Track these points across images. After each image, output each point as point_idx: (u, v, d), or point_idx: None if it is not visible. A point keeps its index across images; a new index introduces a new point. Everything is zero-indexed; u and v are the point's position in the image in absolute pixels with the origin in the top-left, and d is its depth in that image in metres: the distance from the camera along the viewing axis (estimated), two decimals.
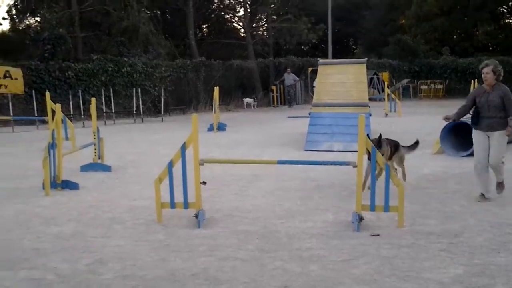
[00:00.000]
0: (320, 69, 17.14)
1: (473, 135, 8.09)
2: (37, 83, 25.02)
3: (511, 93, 7.74)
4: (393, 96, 26.17)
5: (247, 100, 32.24)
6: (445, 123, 9.76)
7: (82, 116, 23.87)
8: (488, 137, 7.84)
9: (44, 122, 20.26)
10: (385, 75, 37.15)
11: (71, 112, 23.93)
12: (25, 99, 24.29)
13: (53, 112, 13.75)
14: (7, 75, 23.03)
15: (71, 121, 16.93)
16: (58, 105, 10.07)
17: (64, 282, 5.01)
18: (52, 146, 9.32)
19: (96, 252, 5.90)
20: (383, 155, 8.05)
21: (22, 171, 11.49)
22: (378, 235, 6.35)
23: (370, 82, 35.32)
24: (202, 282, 4.92)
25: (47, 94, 14.93)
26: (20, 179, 10.51)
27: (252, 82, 34.99)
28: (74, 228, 6.95)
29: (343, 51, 52.54)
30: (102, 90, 25.97)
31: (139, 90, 26.24)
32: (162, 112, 26.45)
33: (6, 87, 22.91)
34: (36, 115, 22.59)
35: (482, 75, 7.84)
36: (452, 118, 8.18)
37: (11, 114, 21.88)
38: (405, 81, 38.05)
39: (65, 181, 9.43)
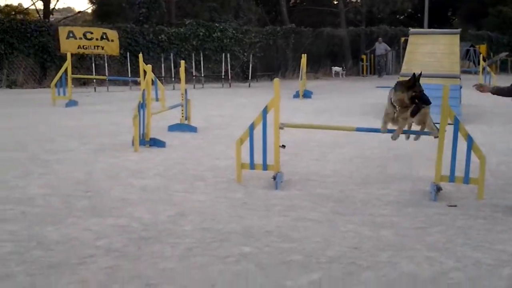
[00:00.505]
0: (410, 39, 16.74)
1: None
2: (131, 45, 25.94)
3: None
4: (488, 69, 25.14)
5: (335, 68, 31.97)
6: None
7: (173, 79, 24.55)
8: None
9: (137, 83, 21.08)
10: (482, 48, 35.62)
11: (163, 75, 24.69)
12: (120, 60, 25.28)
13: (145, 73, 14.33)
14: (104, 37, 24.05)
15: (162, 83, 17.53)
16: (149, 66, 10.48)
17: (147, 230, 5.36)
18: (142, 105, 9.78)
19: (178, 205, 6.23)
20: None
21: (116, 128, 12.12)
22: (456, 205, 6.30)
23: (466, 54, 34.03)
24: (275, 239, 5.11)
25: (140, 56, 15.54)
26: (113, 135, 11.11)
27: (342, 51, 34.59)
28: (159, 182, 7.34)
29: (439, 21, 50.52)
30: (193, 54, 26.54)
31: (228, 56, 26.61)
32: (250, 78, 26.74)
33: (102, 48, 23.95)
34: (129, 76, 23.50)
35: None
36: (488, 89, 6.69)
37: (107, 74, 22.87)
38: (503, 54, 36.33)
39: (153, 139, 9.89)
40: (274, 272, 4.36)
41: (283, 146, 7.21)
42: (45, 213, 5.88)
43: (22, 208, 6.01)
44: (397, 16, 45.44)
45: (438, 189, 6.58)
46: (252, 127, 7.22)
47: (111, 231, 5.34)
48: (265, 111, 7.09)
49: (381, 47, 32.38)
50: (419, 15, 45.93)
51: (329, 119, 13.74)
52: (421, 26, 36.82)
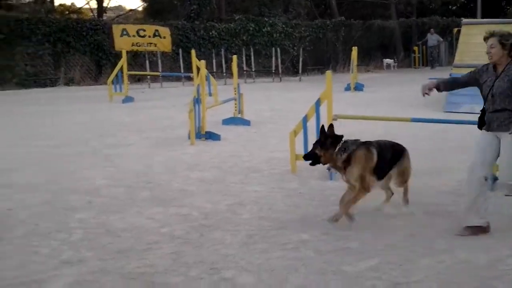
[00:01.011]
0: (463, 29, 16.50)
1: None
2: (183, 41, 26.37)
3: None
4: None
5: (387, 60, 31.66)
6: None
7: (224, 74, 24.86)
8: (498, 139, 5.13)
9: (189, 78, 21.46)
10: None
11: (214, 70, 25.03)
12: (172, 56, 25.74)
13: (198, 69, 14.63)
14: (156, 34, 24.48)
15: (213, 78, 17.82)
16: (203, 62, 10.74)
17: (207, 219, 5.59)
18: (197, 100, 10.05)
19: (236, 196, 6.45)
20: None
21: (171, 122, 12.45)
22: None
23: None
24: (330, 227, 5.25)
25: (193, 52, 15.84)
26: (169, 129, 11.44)
27: (393, 43, 34.21)
28: (216, 174, 7.57)
29: (493, 11, 49.29)
30: (243, 49, 26.79)
31: (278, 50, 26.73)
32: (300, 72, 26.80)
33: (155, 45, 24.39)
34: (182, 72, 23.93)
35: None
36: (433, 85, 5.63)
37: (160, 71, 23.36)
38: None
39: (208, 132, 10.15)
40: (333, 258, 4.51)
41: None
42: (110, 203, 6.19)
43: (89, 198, 6.34)
44: (449, 7, 44.50)
45: (495, 179, 6.56)
46: (305, 119, 7.36)
47: (173, 220, 5.60)
48: (318, 103, 7.22)
49: (433, 38, 31.86)
50: (471, 5, 44.89)
51: (382, 111, 13.71)
52: (474, 16, 35.99)
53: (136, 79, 23.97)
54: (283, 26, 29.17)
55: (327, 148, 5.36)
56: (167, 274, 4.22)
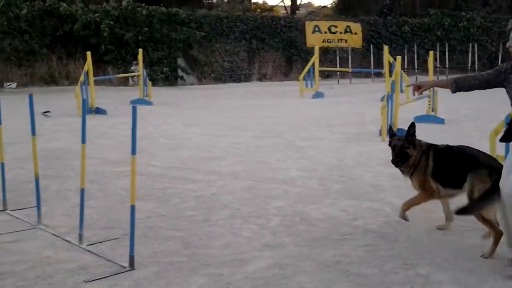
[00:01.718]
0: None
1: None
2: (374, 37, 26.26)
3: None
4: None
5: None
6: None
7: (416, 70, 24.29)
8: None
9: (379, 75, 21.34)
10: None
11: (405, 66, 24.56)
12: (362, 52, 25.75)
13: (390, 65, 14.50)
14: (348, 30, 24.71)
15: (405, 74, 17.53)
16: (399, 58, 10.62)
17: None
18: (390, 96, 10.01)
19: None
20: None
21: (361, 118, 12.53)
22: None
23: None
24: None
25: (386, 48, 15.71)
26: (359, 125, 11.54)
27: None
28: None
29: None
30: (437, 45, 25.91)
31: (475, 46, 25.43)
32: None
33: (346, 41, 24.64)
34: (371, 68, 23.84)
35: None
36: (428, 86, 5.24)
37: (350, 67, 23.51)
38: None
39: (400, 129, 10.01)
40: None
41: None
42: (305, 193, 6.46)
43: (285, 187, 6.68)
44: None
45: None
46: (509, 118, 6.99)
47: (366, 213, 5.70)
48: None
49: None
50: None
51: None
52: None
53: (325, 75, 24.37)
54: (482, 20, 27.70)
55: (414, 148, 5.01)
56: (362, 265, 4.34)
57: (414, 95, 5.21)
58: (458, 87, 4.88)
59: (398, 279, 4.09)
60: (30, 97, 5.27)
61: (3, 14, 20.42)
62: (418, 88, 5.01)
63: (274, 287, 3.96)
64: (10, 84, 19.65)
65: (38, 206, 5.38)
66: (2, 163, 5.92)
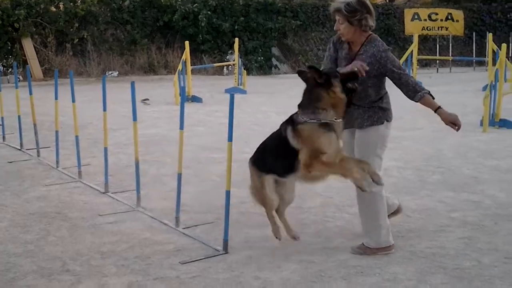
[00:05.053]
0: None
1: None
2: (477, 25, 25.16)
3: (387, 50, 4.18)
4: None
5: None
6: None
7: None
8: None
9: (480, 64, 20.45)
10: None
11: (510, 55, 23.38)
12: (464, 40, 24.76)
13: (494, 53, 13.85)
14: (449, 17, 23.81)
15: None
16: (504, 45, 10.11)
17: (501, 208, 5.37)
18: (493, 86, 9.58)
19: None
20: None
21: (461, 108, 12.03)
22: None
23: None
24: None
25: (490, 35, 15.02)
26: (458, 115, 11.03)
27: None
28: (511, 163, 7.17)
29: None
30: None
31: None
32: None
33: (447, 29, 23.77)
34: (473, 56, 22.88)
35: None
36: None
37: (450, 55, 22.67)
38: None
39: (503, 120, 9.61)
40: None
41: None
42: (400, 184, 6.32)
43: None
44: None
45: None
46: None
47: (464, 205, 5.50)
48: None
49: None
50: None
51: None
52: None
53: (423, 64, 23.64)
54: None
55: None
56: (459, 258, 4.19)
57: None
58: None
59: (497, 273, 3.94)
60: (133, 85, 5.47)
61: (107, 5, 21.33)
62: None
63: (367, 276, 3.91)
64: (112, 73, 20.51)
65: (138, 189, 5.59)
66: (106, 148, 6.19)
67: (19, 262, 4.22)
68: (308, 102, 4.12)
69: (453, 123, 4.23)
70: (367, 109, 4.24)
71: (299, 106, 4.19)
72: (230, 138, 4.32)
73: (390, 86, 4.35)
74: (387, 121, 4.34)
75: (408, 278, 3.86)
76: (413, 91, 4.16)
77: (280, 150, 4.22)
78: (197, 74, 18.82)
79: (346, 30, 4.16)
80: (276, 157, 4.30)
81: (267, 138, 4.48)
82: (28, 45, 19.54)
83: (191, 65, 14.40)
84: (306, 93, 4.20)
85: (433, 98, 4.22)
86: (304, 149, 4.06)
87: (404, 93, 4.24)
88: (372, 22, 4.14)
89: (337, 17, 4.17)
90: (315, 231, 4.83)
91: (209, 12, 21.70)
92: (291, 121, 4.19)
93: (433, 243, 4.52)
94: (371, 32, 4.23)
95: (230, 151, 4.38)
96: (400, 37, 24.77)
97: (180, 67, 13.43)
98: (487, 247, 4.38)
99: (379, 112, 4.27)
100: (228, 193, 4.38)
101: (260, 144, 4.52)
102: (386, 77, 4.24)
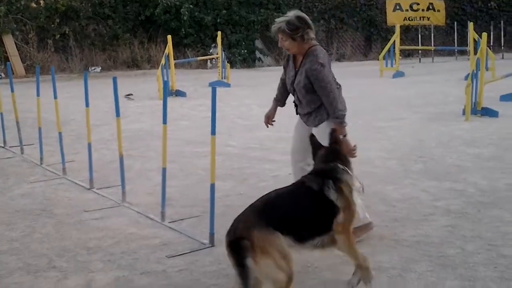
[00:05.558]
0: None
1: None
2: (458, 14, 25.27)
3: (321, 66, 4.30)
4: None
5: None
6: None
7: (502, 47, 23.27)
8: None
9: (462, 53, 20.59)
10: None
11: (491, 44, 23.55)
12: (446, 30, 24.88)
13: (475, 42, 13.96)
14: (430, 7, 23.90)
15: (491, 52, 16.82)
16: (485, 34, 10.18)
17: (484, 196, 5.44)
18: (474, 75, 9.66)
19: None
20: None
21: (443, 97, 12.17)
22: None
23: None
24: None
25: (471, 24, 15.11)
26: (441, 104, 11.21)
27: None
28: (493, 151, 7.27)
29: None
30: None
31: None
32: None
33: (428, 18, 23.85)
34: (455, 46, 23.03)
35: None
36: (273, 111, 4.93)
37: (432, 45, 22.80)
38: None
39: (485, 108, 9.70)
40: None
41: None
42: (384, 173, 6.38)
43: (364, 168, 6.57)
44: None
45: None
46: None
47: (448, 194, 5.56)
48: None
49: None
50: None
51: None
52: None
53: (406, 54, 23.73)
54: None
55: None
56: (443, 246, 4.25)
57: (267, 127, 4.98)
58: (282, 98, 4.93)
59: (481, 260, 3.99)
60: (114, 80, 5.45)
61: (88, 0, 21.15)
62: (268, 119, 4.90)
63: (352, 265, 3.94)
64: (94, 68, 20.38)
65: (123, 184, 5.59)
66: (89, 144, 6.17)
67: (5, 259, 4.21)
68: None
69: (352, 150, 4.33)
70: (315, 111, 4.49)
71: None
72: (213, 132, 4.33)
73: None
74: None
75: (392, 267, 3.91)
76: (332, 113, 4.37)
77: (311, 208, 3.53)
78: (180, 68, 18.76)
79: (290, 45, 4.40)
80: (305, 217, 3.48)
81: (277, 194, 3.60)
82: (9, 42, 19.33)
83: (174, 59, 14.34)
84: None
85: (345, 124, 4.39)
86: (346, 210, 3.58)
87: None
88: (312, 35, 4.39)
89: (280, 36, 4.40)
90: None
91: (191, 6, 21.58)
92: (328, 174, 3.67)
93: (417, 231, 4.57)
94: (313, 43, 4.42)
95: (213, 144, 4.38)
96: (382, 27, 24.83)
97: (163, 61, 13.39)
98: (471, 235, 4.44)
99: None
100: (213, 187, 4.39)
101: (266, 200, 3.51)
102: (333, 75, 4.46)
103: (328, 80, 4.31)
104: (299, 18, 4.35)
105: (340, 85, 4.58)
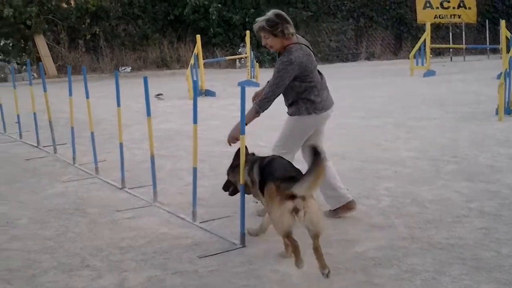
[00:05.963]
0: None
1: None
2: (490, 12, 24.90)
3: (285, 62, 4.60)
4: None
5: None
6: None
7: None
8: None
9: (495, 51, 20.25)
10: None
11: None
12: (477, 28, 24.52)
13: (507, 41, 13.73)
14: (461, 4, 23.56)
15: None
16: None
17: None
18: (508, 73, 9.49)
19: None
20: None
21: (475, 96, 11.99)
22: None
23: None
24: None
25: (503, 22, 14.87)
26: (474, 104, 11.04)
27: None
28: None
29: None
30: None
31: None
32: None
33: (459, 16, 23.51)
34: (487, 44, 22.67)
35: None
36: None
37: (464, 43, 22.48)
38: None
39: None
40: None
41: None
42: (416, 174, 6.30)
43: (395, 168, 6.54)
44: None
45: None
46: None
47: (481, 195, 5.46)
48: None
49: None
50: None
51: None
52: None
53: (437, 53, 23.46)
54: None
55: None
56: (477, 248, 4.18)
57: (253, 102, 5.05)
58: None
59: None
60: (145, 80, 5.49)
61: (117, 0, 21.37)
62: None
63: (385, 268, 3.91)
64: (125, 68, 20.59)
65: (154, 184, 5.62)
66: (121, 143, 6.23)
67: (39, 258, 4.27)
68: None
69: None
70: (294, 102, 4.87)
71: None
72: (243, 131, 4.33)
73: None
74: (315, 113, 4.81)
75: (426, 270, 3.86)
76: (258, 100, 4.85)
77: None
78: (209, 68, 18.84)
79: (273, 42, 4.71)
80: None
81: None
82: (41, 42, 19.65)
83: (203, 59, 14.41)
84: None
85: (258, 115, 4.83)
86: None
87: None
88: (292, 30, 4.69)
89: (262, 34, 4.72)
90: (331, 223, 4.83)
91: (219, 5, 21.67)
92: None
93: (451, 233, 4.51)
94: (293, 42, 4.69)
95: (243, 144, 4.39)
96: (412, 26, 24.61)
97: (192, 61, 13.45)
98: (506, 237, 4.36)
99: (306, 104, 4.80)
100: (243, 187, 4.39)
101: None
102: (312, 72, 4.72)
103: (280, 75, 4.60)
104: (277, 15, 4.71)
105: (323, 78, 4.88)
